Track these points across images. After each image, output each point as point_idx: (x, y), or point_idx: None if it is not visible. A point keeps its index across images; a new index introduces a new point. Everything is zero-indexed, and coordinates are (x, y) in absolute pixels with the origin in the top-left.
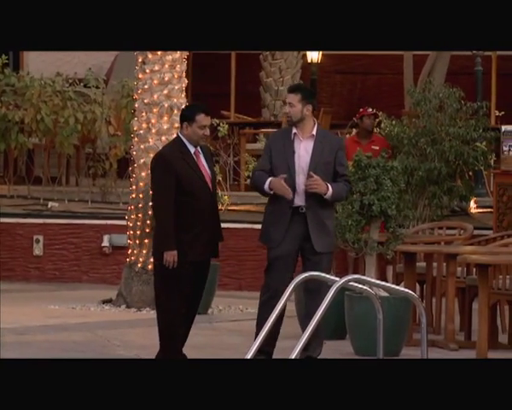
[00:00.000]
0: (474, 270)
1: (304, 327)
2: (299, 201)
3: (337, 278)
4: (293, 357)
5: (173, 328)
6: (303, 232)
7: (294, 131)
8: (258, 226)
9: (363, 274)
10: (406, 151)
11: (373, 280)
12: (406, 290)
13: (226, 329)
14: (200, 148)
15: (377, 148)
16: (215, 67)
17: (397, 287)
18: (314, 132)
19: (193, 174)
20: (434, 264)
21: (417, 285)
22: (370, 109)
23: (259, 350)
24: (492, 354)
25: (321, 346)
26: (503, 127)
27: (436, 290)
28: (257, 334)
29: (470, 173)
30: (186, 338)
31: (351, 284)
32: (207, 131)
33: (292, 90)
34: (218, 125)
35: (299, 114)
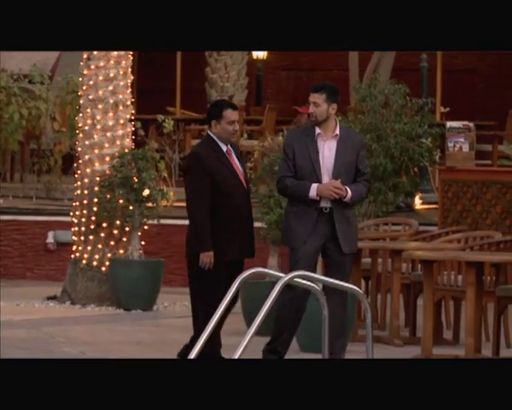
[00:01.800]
0: (419, 266)
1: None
2: (324, 202)
3: (282, 275)
4: (236, 356)
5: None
6: (328, 233)
7: (318, 131)
8: None
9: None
10: None
11: (318, 276)
12: (351, 286)
13: (171, 325)
14: (232, 146)
15: None
16: (160, 63)
17: (342, 283)
18: (337, 132)
19: (228, 173)
20: (379, 260)
21: (362, 281)
22: (305, 107)
23: (271, 350)
24: (437, 350)
25: (344, 349)
26: (448, 123)
27: (381, 286)
28: (275, 333)
29: (415, 170)
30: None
31: (296, 280)
32: (237, 126)
33: (317, 89)
34: (164, 121)
35: (324, 114)
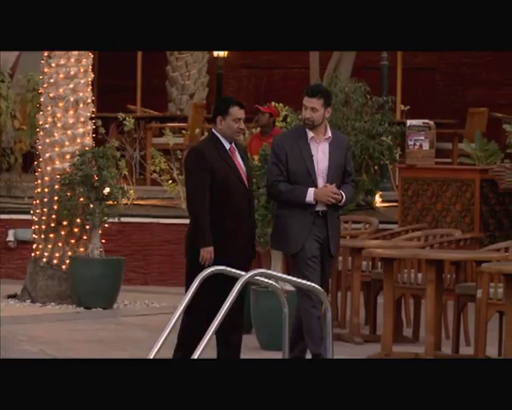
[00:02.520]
0: (380, 264)
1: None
2: (320, 205)
3: (243, 273)
4: (196, 356)
5: (196, 329)
6: (323, 236)
7: (312, 134)
8: (165, 221)
9: (270, 268)
10: None
11: (279, 274)
12: (312, 285)
13: (132, 324)
14: (236, 144)
15: None
16: (121, 61)
17: (303, 281)
18: (329, 134)
19: (229, 170)
20: (340, 258)
21: None
22: (267, 106)
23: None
24: (397, 348)
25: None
26: (409, 122)
27: (341, 284)
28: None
29: (376, 168)
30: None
31: (257, 278)
32: (242, 125)
33: (314, 94)
34: (124, 119)
35: (321, 119)
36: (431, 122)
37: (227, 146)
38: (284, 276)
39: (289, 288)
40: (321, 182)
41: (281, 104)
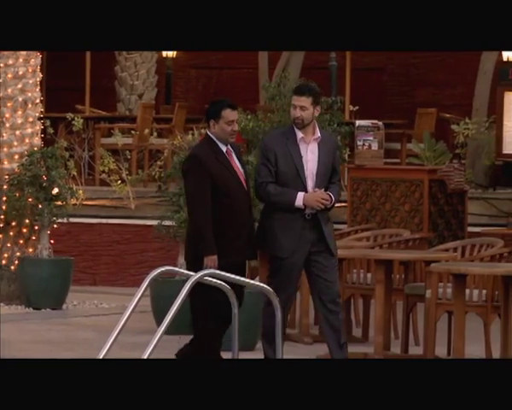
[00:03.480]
0: None
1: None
2: (309, 209)
3: (192, 273)
4: (145, 356)
5: (210, 339)
6: (314, 238)
7: (301, 135)
8: (114, 221)
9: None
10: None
11: (228, 275)
12: (261, 285)
13: (81, 324)
14: (232, 146)
15: None
16: (70, 61)
17: (252, 281)
18: (318, 134)
19: (228, 174)
20: None
21: None
22: None
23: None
24: None
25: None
26: (357, 122)
27: None
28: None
29: None
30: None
31: (206, 278)
32: (236, 127)
33: (303, 92)
34: (73, 119)
35: (310, 117)
36: (380, 123)
37: (224, 149)
38: (233, 276)
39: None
40: (310, 183)
41: None
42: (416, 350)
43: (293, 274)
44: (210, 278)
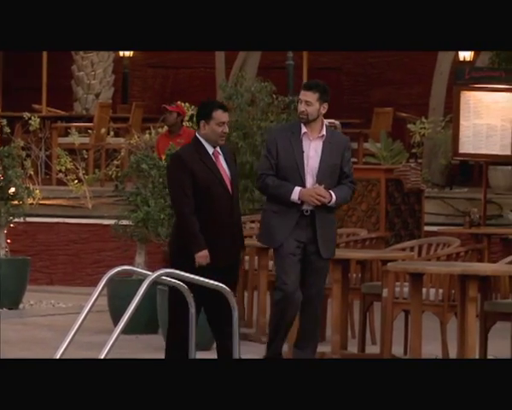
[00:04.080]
0: None
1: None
2: (306, 205)
3: (149, 272)
4: (102, 356)
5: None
6: (308, 236)
7: (305, 130)
8: (70, 220)
9: None
10: None
11: (186, 274)
12: (220, 285)
13: (38, 324)
14: (221, 148)
15: (182, 142)
16: (26, 60)
17: (209, 281)
18: (324, 132)
19: (210, 176)
20: (246, 257)
21: None
22: (174, 105)
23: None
24: None
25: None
26: None
27: (248, 284)
28: (271, 338)
29: None
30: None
31: (163, 278)
32: (226, 128)
33: (309, 87)
34: (30, 118)
35: (315, 113)
36: (337, 122)
37: (210, 150)
38: (191, 276)
39: None
40: (310, 180)
41: (187, 104)
42: (372, 349)
43: (285, 264)
44: (168, 278)
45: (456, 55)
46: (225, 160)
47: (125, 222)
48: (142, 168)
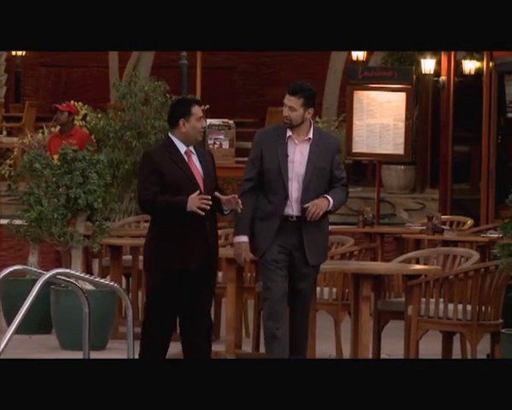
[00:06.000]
0: None
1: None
2: (290, 210)
3: (44, 272)
4: None
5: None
6: (293, 242)
7: (290, 133)
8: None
9: (70, 268)
10: (112, 144)
11: (79, 274)
12: (112, 284)
13: None
14: (195, 148)
15: (75, 142)
16: None
17: (102, 280)
18: (311, 135)
19: (181, 175)
20: (140, 257)
21: (123, 278)
22: (66, 104)
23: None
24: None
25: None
26: (208, 121)
27: (142, 283)
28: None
29: None
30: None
31: (58, 277)
32: (203, 123)
33: (294, 92)
34: None
35: (299, 119)
36: (230, 121)
37: (182, 149)
38: (84, 275)
39: (90, 287)
40: (295, 185)
41: (80, 103)
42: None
43: (269, 271)
44: (62, 277)
45: (350, 54)
46: (199, 159)
47: (18, 222)
48: (35, 168)
